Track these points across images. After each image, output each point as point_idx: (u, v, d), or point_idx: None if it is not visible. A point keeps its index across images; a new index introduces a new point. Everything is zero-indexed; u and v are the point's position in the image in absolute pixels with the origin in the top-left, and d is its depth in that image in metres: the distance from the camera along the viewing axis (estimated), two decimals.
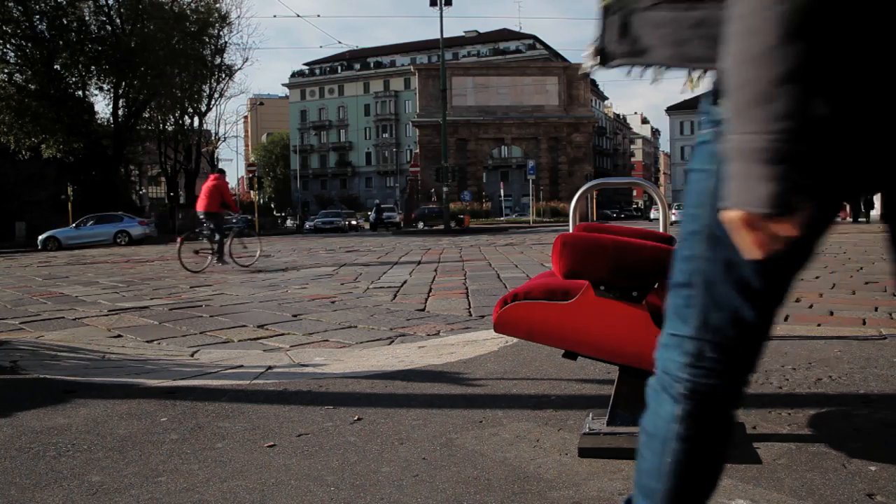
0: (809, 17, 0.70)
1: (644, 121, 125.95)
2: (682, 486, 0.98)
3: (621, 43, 0.93)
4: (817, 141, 0.73)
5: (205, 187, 10.93)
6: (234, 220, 10.66)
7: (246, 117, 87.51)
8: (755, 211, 0.75)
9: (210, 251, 10.56)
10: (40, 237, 24.35)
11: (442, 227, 30.58)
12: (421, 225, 34.95)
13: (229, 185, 11.49)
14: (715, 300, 0.91)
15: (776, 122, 0.72)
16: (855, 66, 0.73)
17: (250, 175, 48.85)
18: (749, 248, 0.79)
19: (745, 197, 0.76)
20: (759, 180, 0.74)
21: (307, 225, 46.76)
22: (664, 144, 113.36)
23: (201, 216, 10.84)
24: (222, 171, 11.38)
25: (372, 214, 45.82)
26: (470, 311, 5.09)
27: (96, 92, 37.10)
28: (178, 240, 10.72)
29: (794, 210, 0.75)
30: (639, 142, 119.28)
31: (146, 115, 38.43)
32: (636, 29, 0.90)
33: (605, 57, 0.97)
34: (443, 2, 30.65)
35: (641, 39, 0.90)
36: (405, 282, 7.52)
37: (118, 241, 24.41)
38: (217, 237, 10.60)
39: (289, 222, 51.25)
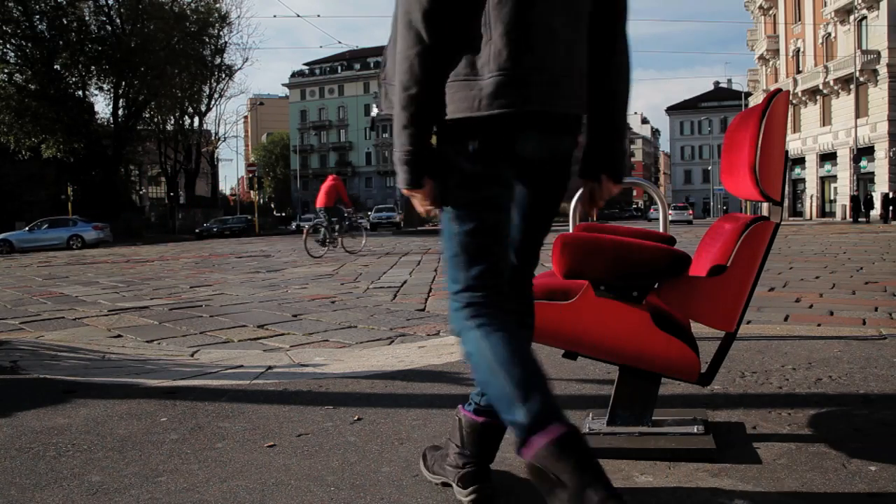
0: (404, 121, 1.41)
1: (644, 121, 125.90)
2: (521, 365, 1.37)
3: (385, 102, 1.59)
4: (414, 161, 1.41)
5: (324, 186, 12.94)
6: (347, 214, 13.30)
7: (246, 117, 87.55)
8: (403, 188, 1.44)
9: (327, 240, 12.95)
10: None
11: None
12: None
13: (344, 185, 13.92)
14: (463, 241, 1.46)
15: (399, 149, 1.41)
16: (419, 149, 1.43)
17: (250, 175, 48.83)
18: (418, 208, 1.48)
19: (399, 182, 1.43)
20: (400, 173, 1.42)
21: (293, 225, 45.23)
22: (664, 144, 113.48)
23: (321, 211, 13.00)
24: (339, 173, 13.03)
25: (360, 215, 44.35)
26: None
27: (96, 92, 37.22)
28: (304, 231, 13.30)
29: (419, 187, 1.42)
30: (639, 142, 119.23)
31: (146, 115, 38.45)
32: (390, 95, 1.51)
33: (379, 107, 1.65)
34: None
35: (393, 101, 1.47)
36: (405, 282, 7.52)
37: (71, 245, 24.38)
38: (335, 228, 12.90)
39: (294, 225, 47.79)
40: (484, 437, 1.61)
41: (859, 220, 30.54)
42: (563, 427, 1.29)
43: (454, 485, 1.58)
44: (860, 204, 31.48)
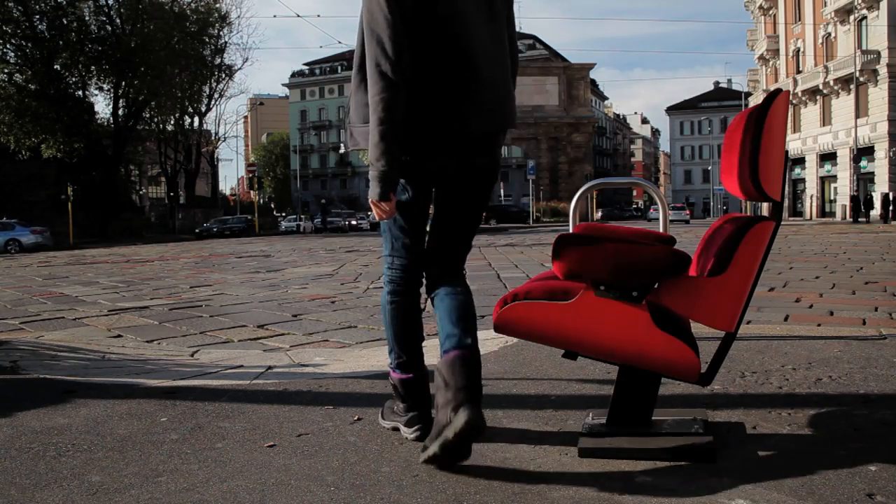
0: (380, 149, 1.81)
1: (644, 121, 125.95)
2: (399, 330, 2.09)
3: (350, 140, 2.02)
4: (390, 179, 1.83)
5: None
6: None
7: (246, 117, 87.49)
8: (374, 199, 1.86)
9: None
10: None
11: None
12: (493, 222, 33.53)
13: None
14: (392, 238, 2.05)
15: (378, 168, 1.82)
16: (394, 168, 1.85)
17: (250, 175, 48.82)
18: (377, 215, 1.92)
19: (372, 195, 1.86)
20: (374, 188, 1.84)
21: (283, 226, 43.43)
22: (664, 144, 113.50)
23: None
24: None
25: (316, 219, 41.20)
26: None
27: (96, 92, 37.09)
28: None
29: (388, 200, 1.85)
30: (639, 142, 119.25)
31: (146, 115, 38.37)
32: (356, 135, 1.98)
33: (346, 146, 2.09)
34: None
35: (357, 139, 1.98)
36: None
37: (9, 248, 24.11)
38: None
39: (283, 225, 44.81)
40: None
41: (859, 220, 30.53)
42: (409, 374, 2.06)
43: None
44: (860, 204, 31.46)
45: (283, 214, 64.50)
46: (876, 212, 31.05)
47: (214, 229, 34.43)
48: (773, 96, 1.81)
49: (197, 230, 34.81)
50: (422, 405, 2.03)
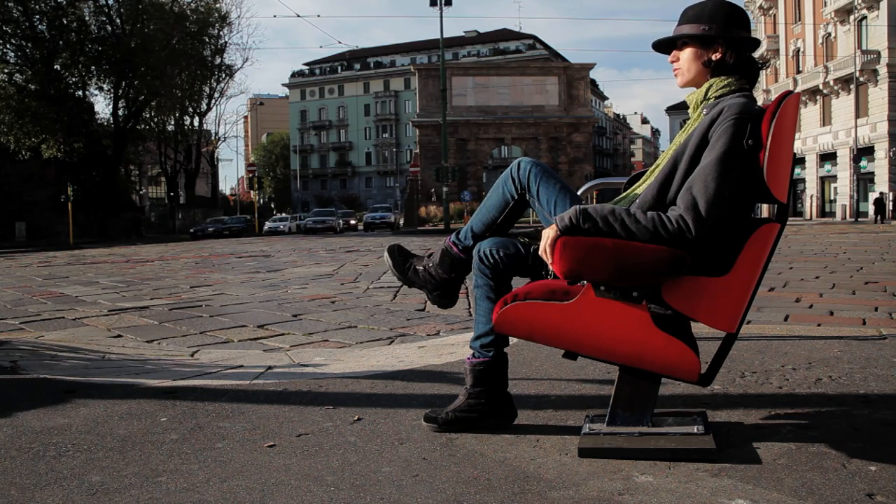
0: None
1: (644, 121, 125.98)
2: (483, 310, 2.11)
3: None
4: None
5: None
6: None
7: (246, 117, 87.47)
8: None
9: None
10: None
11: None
12: None
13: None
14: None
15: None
16: None
17: (250, 175, 48.81)
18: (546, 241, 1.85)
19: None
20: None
21: (267, 226, 40.78)
22: (664, 144, 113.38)
23: None
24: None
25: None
26: (470, 311, 5.09)
27: (96, 92, 37.09)
28: None
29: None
30: (639, 142, 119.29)
31: (146, 115, 38.36)
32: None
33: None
34: (443, 2, 30.66)
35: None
36: None
37: None
38: None
39: (267, 225, 41.81)
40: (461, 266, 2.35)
41: (860, 219, 30.46)
42: (487, 359, 2.11)
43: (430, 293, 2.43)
44: (870, 203, 31.34)
45: (283, 214, 64.44)
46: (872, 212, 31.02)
47: (210, 229, 33.81)
48: (784, 97, 1.81)
49: (192, 230, 34.49)
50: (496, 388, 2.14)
